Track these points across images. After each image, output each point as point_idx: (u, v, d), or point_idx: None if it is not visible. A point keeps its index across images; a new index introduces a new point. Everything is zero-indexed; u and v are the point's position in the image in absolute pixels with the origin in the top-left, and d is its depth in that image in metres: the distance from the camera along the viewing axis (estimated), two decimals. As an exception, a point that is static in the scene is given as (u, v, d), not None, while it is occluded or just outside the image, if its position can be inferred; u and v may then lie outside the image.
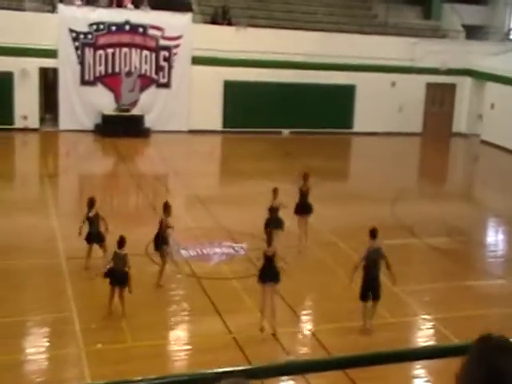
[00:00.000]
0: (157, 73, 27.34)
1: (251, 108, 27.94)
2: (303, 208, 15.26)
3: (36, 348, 10.68)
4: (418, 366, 10.39)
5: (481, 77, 30.07)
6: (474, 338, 2.01)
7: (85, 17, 26.02)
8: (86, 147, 25.18)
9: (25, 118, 25.92)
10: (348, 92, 29.45)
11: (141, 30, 26.87)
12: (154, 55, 27.19)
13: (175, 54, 27.33)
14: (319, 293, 13.37)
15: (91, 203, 13.52)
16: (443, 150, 29.69)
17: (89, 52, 26.39)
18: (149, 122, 26.87)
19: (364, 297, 11.57)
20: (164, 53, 27.27)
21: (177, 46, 27.24)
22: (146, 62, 27.18)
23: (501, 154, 27.77)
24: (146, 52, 27.09)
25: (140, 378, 2.39)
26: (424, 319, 12.40)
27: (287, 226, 14.68)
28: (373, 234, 11.72)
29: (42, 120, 26.81)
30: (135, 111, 26.93)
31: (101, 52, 26.56)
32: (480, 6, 33.05)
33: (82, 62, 26.35)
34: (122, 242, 11.69)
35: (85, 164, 22.66)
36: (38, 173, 21.53)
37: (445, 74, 30.19)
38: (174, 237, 13.32)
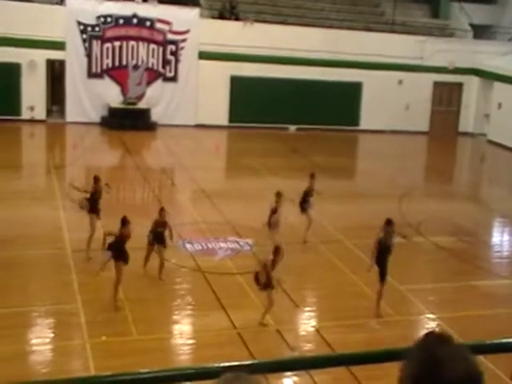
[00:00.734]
0: (164, 67, 27.34)
1: (258, 103, 27.92)
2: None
3: (41, 339, 10.70)
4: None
5: (488, 76, 29.97)
6: (479, 337, 2.02)
7: (93, 9, 26.03)
8: (93, 139, 25.19)
9: (32, 109, 25.97)
10: (355, 89, 29.40)
11: (148, 23, 26.87)
12: (161, 49, 27.19)
13: (182, 49, 27.32)
14: (324, 289, 13.36)
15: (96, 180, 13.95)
16: (450, 150, 29.62)
17: (96, 44, 26.41)
18: (155, 116, 26.89)
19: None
20: (171, 47, 27.27)
21: (184, 41, 27.23)
22: (153, 56, 27.18)
23: (507, 154, 27.70)
24: (153, 45, 27.09)
25: (146, 371, 2.39)
26: (429, 318, 12.37)
27: (291, 221, 14.67)
28: (389, 222, 12.38)
29: (49, 112, 26.85)
30: (142, 104, 26.95)
31: (108, 45, 26.57)
32: (488, 6, 32.93)
33: (89, 55, 26.38)
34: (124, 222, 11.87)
35: (91, 156, 22.68)
36: (44, 164, 21.56)
37: (452, 72, 30.10)
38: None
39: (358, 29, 29.43)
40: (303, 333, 11.65)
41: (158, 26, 26.95)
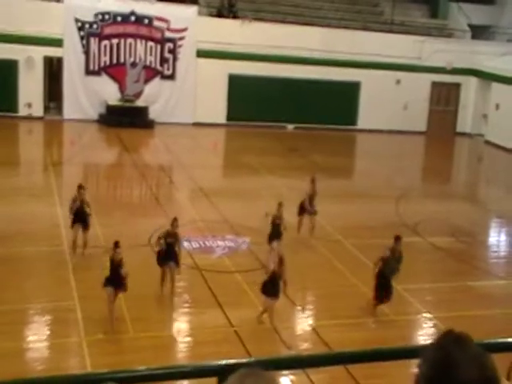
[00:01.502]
0: (161, 64, 27.31)
1: (256, 102, 27.91)
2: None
3: (38, 336, 10.69)
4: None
5: (486, 77, 29.99)
6: (476, 337, 2.01)
7: (91, 6, 25.98)
8: (90, 137, 25.16)
9: (29, 105, 25.92)
10: (353, 89, 29.41)
11: (146, 21, 26.83)
12: (159, 47, 27.15)
13: (180, 46, 27.29)
14: (321, 289, 13.35)
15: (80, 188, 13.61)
16: (447, 150, 29.64)
17: (94, 42, 26.36)
18: (153, 114, 26.86)
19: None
20: (169, 45, 27.23)
21: (182, 39, 27.20)
22: (150, 54, 27.14)
23: (505, 154, 27.73)
24: (151, 43, 27.05)
25: (143, 368, 2.38)
26: (426, 318, 12.38)
27: (288, 221, 14.62)
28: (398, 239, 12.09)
29: (47, 109, 26.80)
30: (140, 102, 26.91)
31: (106, 42, 26.52)
32: (487, 6, 32.95)
33: (87, 52, 26.33)
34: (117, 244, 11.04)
35: (89, 153, 22.65)
36: (42, 161, 21.52)
37: (450, 73, 30.12)
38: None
39: (357, 28, 29.44)
40: (300, 331, 11.64)
41: (156, 23, 26.91)
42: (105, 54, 26.63)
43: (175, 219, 12.42)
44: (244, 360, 2.38)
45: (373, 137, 28.93)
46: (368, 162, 25.03)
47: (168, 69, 27.42)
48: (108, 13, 26.33)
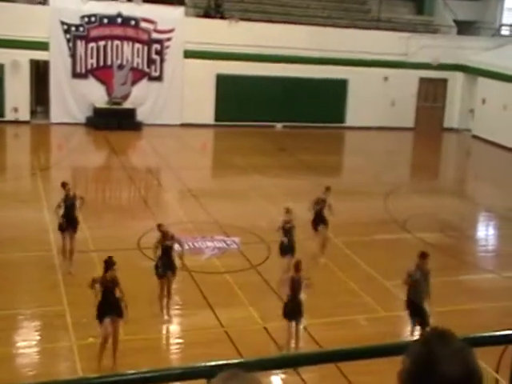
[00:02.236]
0: (149, 66, 27.26)
1: (244, 102, 27.90)
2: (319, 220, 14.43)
3: (28, 341, 10.66)
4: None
5: (472, 72, 30.13)
6: (465, 331, 2.03)
7: (76, 9, 25.87)
8: (78, 140, 25.08)
9: (16, 110, 25.81)
10: (340, 86, 29.45)
11: (133, 22, 26.76)
12: (146, 48, 27.09)
13: (167, 48, 27.25)
14: (311, 286, 13.35)
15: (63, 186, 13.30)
16: (435, 145, 29.76)
17: (80, 44, 26.27)
18: (141, 115, 26.80)
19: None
20: (156, 46, 27.18)
21: (169, 40, 27.16)
22: (138, 55, 27.08)
23: (492, 149, 27.87)
24: (138, 45, 26.99)
25: (133, 372, 2.39)
26: (415, 313, 12.42)
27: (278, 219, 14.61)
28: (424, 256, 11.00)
29: (33, 112, 26.69)
30: (127, 104, 26.85)
31: (92, 44, 26.44)
32: (472, 2, 33.10)
33: (73, 55, 26.23)
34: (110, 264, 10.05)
35: (77, 157, 22.57)
36: (29, 165, 21.44)
37: (437, 68, 30.24)
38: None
39: (344, 26, 29.48)
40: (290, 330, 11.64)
41: (143, 25, 26.85)
42: (91, 57, 26.55)
43: (160, 225, 11.96)
44: (235, 361, 2.39)
45: (361, 134, 29.00)
46: (357, 159, 25.10)
47: (155, 70, 27.37)
48: (94, 15, 26.24)
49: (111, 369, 9.70)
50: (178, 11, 27.13)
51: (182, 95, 27.36)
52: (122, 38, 26.73)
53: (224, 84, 27.68)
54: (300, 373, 9.80)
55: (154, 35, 26.99)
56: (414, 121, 30.84)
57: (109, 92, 26.69)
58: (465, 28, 31.87)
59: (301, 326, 10.62)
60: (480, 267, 15.24)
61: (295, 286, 10.43)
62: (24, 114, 25.99)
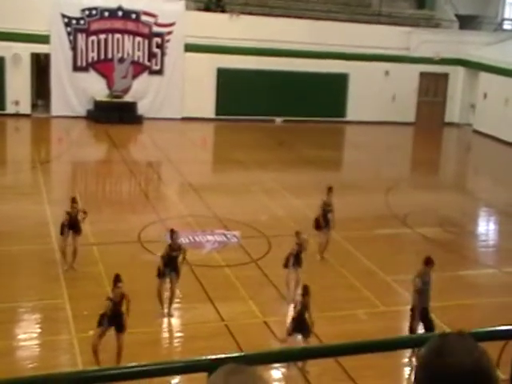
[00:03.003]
0: (149, 60, 27.21)
1: (244, 96, 27.87)
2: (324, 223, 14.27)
3: (28, 334, 10.68)
4: (409, 355, 10.45)
5: (474, 67, 30.08)
6: (465, 326, 2.04)
7: (77, 2, 25.84)
8: (79, 133, 25.08)
9: (16, 103, 25.79)
10: (341, 81, 29.41)
11: (134, 16, 26.71)
12: (146, 42, 27.05)
13: (168, 41, 27.20)
14: (311, 282, 13.32)
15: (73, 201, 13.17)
16: (436, 140, 29.74)
17: (81, 38, 26.22)
18: (141, 109, 26.78)
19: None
20: (157, 39, 27.13)
21: (170, 33, 27.11)
22: (138, 49, 27.04)
23: (493, 144, 27.84)
24: (138, 38, 26.94)
25: (133, 364, 2.39)
26: (415, 308, 12.43)
27: (279, 214, 14.63)
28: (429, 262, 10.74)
29: (34, 106, 26.67)
30: (128, 98, 26.82)
31: (93, 38, 26.40)
32: (474, -4, 33.01)
33: (74, 48, 26.19)
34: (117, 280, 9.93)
35: (77, 150, 22.56)
36: (30, 159, 21.43)
37: (438, 63, 30.19)
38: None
39: (345, 20, 29.42)
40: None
41: (144, 18, 26.80)
42: (92, 50, 26.51)
43: (173, 231, 11.72)
44: (235, 354, 2.39)
45: (361, 128, 28.97)
46: (357, 154, 25.08)
47: (156, 64, 27.33)
48: (95, 8, 26.19)
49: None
50: (178, 5, 27.07)
51: (182, 89, 27.33)
52: (122, 32, 26.68)
53: (224, 78, 27.64)
54: (302, 369, 9.82)
55: (155, 29, 26.95)
56: (415, 115, 30.80)
57: (109, 85, 26.66)
58: (466, 22, 31.79)
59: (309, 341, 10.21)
60: (480, 262, 15.25)
61: (302, 307, 10.19)
62: (25, 107, 25.97)
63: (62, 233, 12.94)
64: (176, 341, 11.07)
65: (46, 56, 26.17)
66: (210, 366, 2.17)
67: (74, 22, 25.98)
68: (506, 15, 32.97)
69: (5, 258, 13.21)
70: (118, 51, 26.76)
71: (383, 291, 12.82)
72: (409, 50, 29.76)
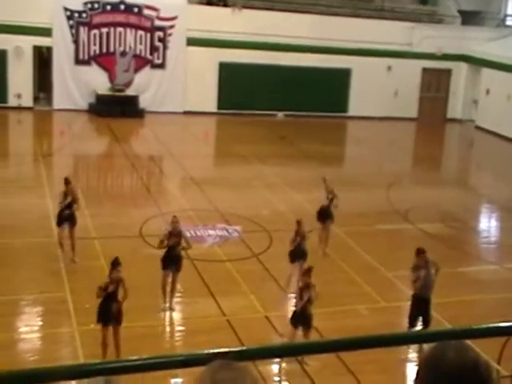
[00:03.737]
0: (151, 53, 27.18)
1: (246, 90, 27.84)
2: (325, 214, 14.29)
3: (30, 327, 10.70)
4: (410, 350, 10.47)
5: (476, 62, 30.02)
6: (467, 322, 2.06)
7: (80, -5, 25.80)
8: (80, 127, 25.07)
9: (18, 96, 25.78)
10: (343, 76, 29.37)
11: (136, 9, 26.67)
12: (148, 35, 27.01)
13: (170, 35, 27.16)
14: (313, 276, 13.37)
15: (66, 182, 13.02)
16: (438, 136, 29.70)
17: (83, 31, 26.20)
18: (143, 103, 26.76)
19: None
20: (159, 33, 27.10)
21: (172, 27, 27.07)
22: (140, 43, 27.01)
23: (495, 140, 27.81)
24: (140, 32, 26.91)
25: (135, 358, 2.39)
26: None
27: (280, 209, 14.62)
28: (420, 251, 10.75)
29: (36, 99, 26.66)
30: (130, 91, 26.80)
31: (95, 31, 26.37)
32: (477, -8, 32.91)
33: (76, 41, 26.17)
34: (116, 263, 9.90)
35: (79, 144, 22.56)
36: (32, 152, 21.42)
37: (441, 59, 30.13)
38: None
39: (347, 15, 29.35)
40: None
41: (146, 12, 26.76)
42: (94, 44, 26.48)
43: (175, 217, 11.70)
44: (236, 348, 2.40)
45: (363, 124, 28.94)
46: (359, 149, 25.06)
47: (158, 57, 27.30)
48: (97, 1, 26.14)
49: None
50: (181, -2, 27.02)
51: (184, 83, 27.31)
52: (124, 25, 26.66)
53: (226, 72, 27.61)
54: (301, 362, 9.83)
55: (157, 22, 26.91)
56: (417, 111, 30.76)
57: (111, 79, 26.64)
58: (469, 18, 31.71)
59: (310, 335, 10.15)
60: (482, 258, 15.25)
61: (304, 294, 10.10)
62: (27, 100, 25.96)
63: (58, 224, 12.95)
64: (177, 335, 11.09)
65: (48, 49, 26.16)
66: (210, 360, 2.17)
67: (76, 15, 25.95)
68: (509, 11, 32.86)
69: (7, 251, 13.22)
70: (120, 45, 26.73)
71: (384, 286, 12.83)
72: (411, 46, 29.70)
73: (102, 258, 12.81)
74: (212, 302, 11.75)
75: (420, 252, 10.89)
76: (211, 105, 27.86)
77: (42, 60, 26.70)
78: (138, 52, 27.01)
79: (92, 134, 24.87)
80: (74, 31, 26.06)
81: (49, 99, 26.53)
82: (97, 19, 26.27)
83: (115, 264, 9.83)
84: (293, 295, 12.23)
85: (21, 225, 14.51)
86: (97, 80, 26.37)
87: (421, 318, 10.70)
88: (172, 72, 27.25)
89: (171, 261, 11.49)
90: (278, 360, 9.57)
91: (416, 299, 10.69)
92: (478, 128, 29.42)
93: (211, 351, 2.28)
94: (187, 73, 27.25)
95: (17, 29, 24.93)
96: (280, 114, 28.72)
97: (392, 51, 29.34)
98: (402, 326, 11.62)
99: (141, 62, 27.07)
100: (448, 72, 30.95)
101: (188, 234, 14.35)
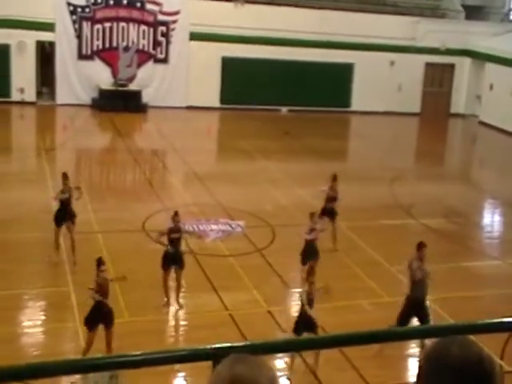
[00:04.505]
0: (154, 48, 27.16)
1: (249, 85, 27.80)
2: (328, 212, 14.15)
3: (33, 321, 10.72)
4: (413, 345, 10.46)
5: (480, 57, 29.93)
6: (469, 317, 2.06)
7: (83, -10, 25.77)
8: (83, 122, 25.07)
9: (21, 91, 25.78)
10: (346, 70, 29.32)
11: (139, 4, 26.63)
12: (151, 30, 26.98)
13: (173, 30, 27.13)
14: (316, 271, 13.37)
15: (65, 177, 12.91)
16: (441, 131, 29.64)
17: (86, 26, 26.18)
18: (146, 97, 26.74)
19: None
20: (162, 28, 27.06)
21: (175, 22, 27.03)
22: (143, 37, 26.98)
23: (499, 135, 27.74)
24: (143, 27, 26.88)
25: (138, 353, 2.39)
26: (420, 299, 12.41)
27: (283, 203, 14.59)
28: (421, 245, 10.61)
29: (39, 93, 26.67)
30: (133, 86, 26.78)
31: (98, 26, 26.34)
32: (480, -14, 32.81)
33: (79, 36, 26.15)
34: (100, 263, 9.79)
35: (82, 138, 22.56)
36: (35, 146, 21.44)
37: (444, 54, 30.05)
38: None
39: (350, 10, 29.26)
40: (295, 314, 11.67)
41: (149, 6, 26.72)
42: (97, 38, 26.46)
43: (176, 213, 11.59)
44: (239, 343, 2.39)
45: (367, 118, 28.89)
46: (362, 144, 25.02)
47: (161, 52, 27.27)
48: (100, -4, 26.13)
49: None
50: (184, -7, 26.97)
51: (187, 78, 27.27)
52: (127, 20, 26.63)
53: (229, 67, 27.57)
54: (304, 356, 9.83)
55: (160, 17, 26.87)
56: (420, 106, 30.69)
57: (114, 74, 26.62)
58: (473, 13, 31.61)
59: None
60: (485, 254, 15.22)
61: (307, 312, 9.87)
62: (30, 95, 25.97)
63: (57, 225, 12.74)
64: (180, 330, 11.10)
65: (51, 44, 26.14)
66: (213, 355, 2.17)
67: (79, 10, 25.93)
68: (513, 6, 32.76)
69: (10, 245, 13.24)
70: (122, 40, 26.70)
71: (388, 281, 12.81)
72: (414, 40, 29.61)
73: (105, 253, 12.81)
74: (215, 296, 11.75)
75: (421, 246, 10.84)
76: (214, 100, 27.83)
77: (45, 55, 26.68)
78: (140, 47, 26.98)
79: (95, 129, 24.88)
80: (76, 26, 26.03)
81: (52, 94, 26.54)
82: (100, 14, 26.24)
83: (99, 263, 9.70)
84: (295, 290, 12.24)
85: (24, 218, 14.52)
86: (100, 75, 26.35)
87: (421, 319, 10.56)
88: (175, 67, 27.22)
89: (172, 259, 11.45)
90: (280, 355, 9.58)
91: (410, 300, 10.49)
92: (482, 123, 29.35)
93: (214, 346, 2.28)
94: (190, 67, 27.22)
95: (20, 23, 24.91)
96: (283, 109, 28.68)
97: (395, 46, 29.26)
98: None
99: (144, 57, 27.04)
100: (451, 67, 30.87)
101: (191, 229, 14.38)
